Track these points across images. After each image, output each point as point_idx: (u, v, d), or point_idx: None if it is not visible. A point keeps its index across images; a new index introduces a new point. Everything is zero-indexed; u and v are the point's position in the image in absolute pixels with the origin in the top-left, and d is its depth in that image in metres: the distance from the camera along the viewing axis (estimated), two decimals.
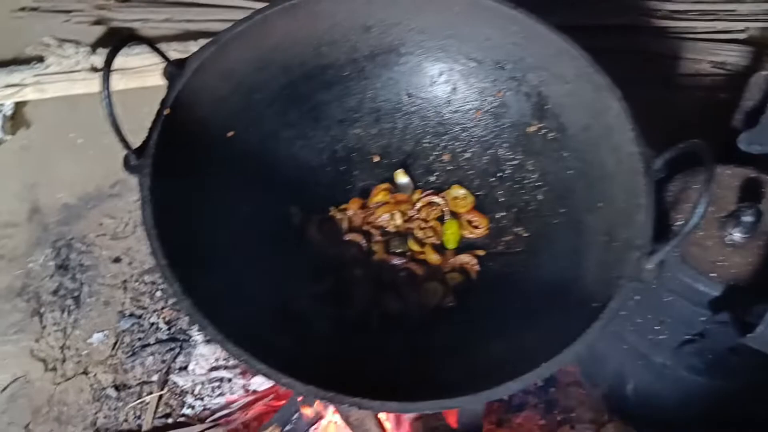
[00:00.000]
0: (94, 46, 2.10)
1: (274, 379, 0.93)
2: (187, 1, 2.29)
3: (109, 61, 0.98)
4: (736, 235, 1.15)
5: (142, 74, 2.12)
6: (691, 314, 1.17)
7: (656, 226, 0.99)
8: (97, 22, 2.30)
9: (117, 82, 2.04)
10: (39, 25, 2.34)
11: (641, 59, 2.11)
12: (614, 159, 1.11)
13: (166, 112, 1.09)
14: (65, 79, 2.08)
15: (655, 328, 1.25)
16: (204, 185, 1.17)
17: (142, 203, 1.01)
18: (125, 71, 2.10)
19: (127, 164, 1.05)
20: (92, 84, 2.08)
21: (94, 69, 2.07)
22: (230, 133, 1.23)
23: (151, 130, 1.07)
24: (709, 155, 0.90)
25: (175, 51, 2.11)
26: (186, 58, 1.14)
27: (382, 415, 1.40)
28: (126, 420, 1.59)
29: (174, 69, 1.13)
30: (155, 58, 1.99)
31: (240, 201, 1.24)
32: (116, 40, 1.00)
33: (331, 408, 1.46)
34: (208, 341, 1.66)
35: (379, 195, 1.38)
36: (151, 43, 1.09)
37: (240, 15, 2.14)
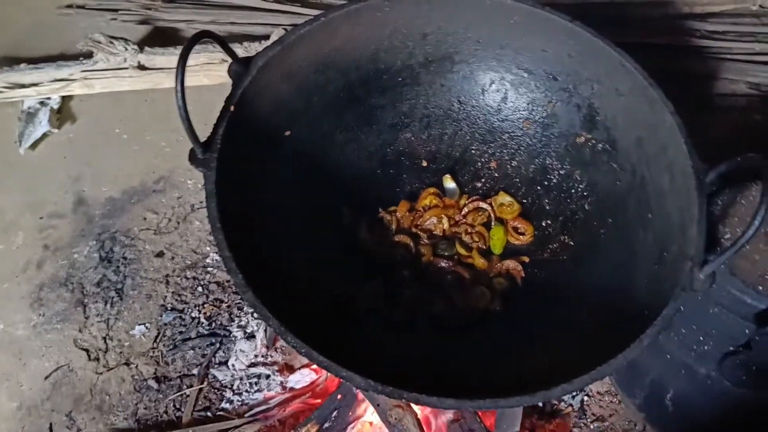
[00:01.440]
0: (140, 45, 2.12)
1: (333, 372, 0.93)
2: (231, 3, 2.33)
3: (184, 56, 1.01)
4: None
5: (188, 74, 2.13)
6: (736, 326, 1.18)
7: (707, 238, 1.01)
8: (143, 22, 2.34)
9: (162, 80, 2.07)
10: (84, 23, 2.39)
11: (679, 78, 2.13)
12: (667, 172, 1.12)
13: (231, 108, 1.11)
14: (112, 76, 2.11)
15: (700, 339, 1.26)
16: (262, 182, 1.20)
17: (207, 197, 1.03)
18: (170, 71, 2.12)
19: (193, 158, 1.07)
20: (138, 81, 2.11)
21: (141, 67, 2.09)
22: (287, 132, 1.25)
23: (216, 125, 1.09)
24: (767, 168, 0.91)
25: (220, 52, 2.13)
26: (251, 57, 1.17)
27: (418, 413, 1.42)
28: (166, 412, 1.61)
29: (239, 67, 1.15)
30: (202, 59, 2.06)
31: (295, 199, 1.26)
32: (192, 36, 1.02)
33: (370, 408, 1.48)
34: (249, 337, 1.69)
35: (427, 198, 1.40)
36: (223, 41, 1.11)
37: (283, 19, 2.22)
